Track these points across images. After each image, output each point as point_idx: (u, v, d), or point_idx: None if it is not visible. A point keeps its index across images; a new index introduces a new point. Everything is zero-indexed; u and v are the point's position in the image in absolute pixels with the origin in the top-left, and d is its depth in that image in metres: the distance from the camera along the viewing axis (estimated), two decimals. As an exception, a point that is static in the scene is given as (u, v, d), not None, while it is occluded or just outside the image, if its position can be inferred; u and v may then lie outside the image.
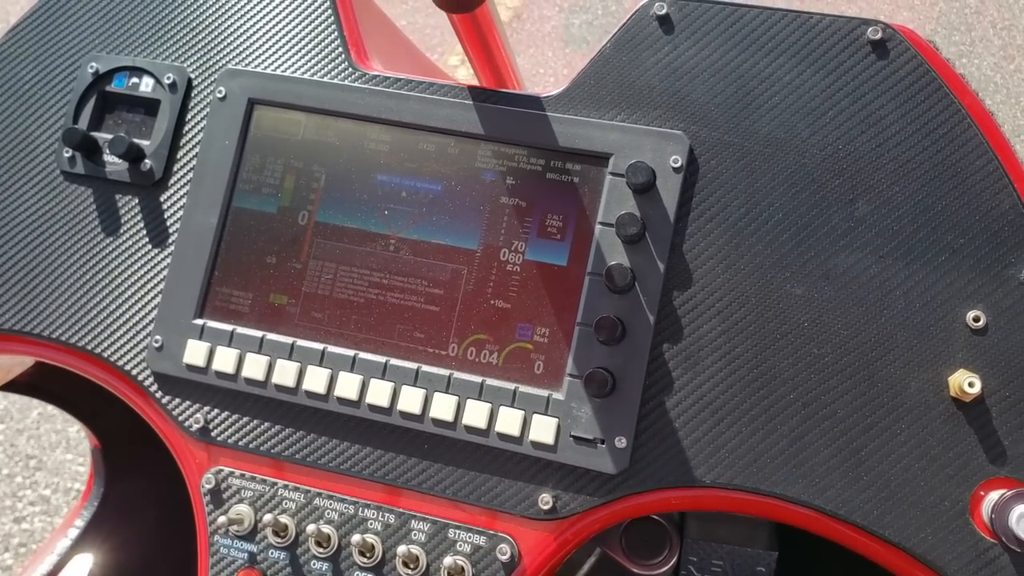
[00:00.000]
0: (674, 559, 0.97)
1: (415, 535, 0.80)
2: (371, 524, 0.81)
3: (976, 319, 0.74)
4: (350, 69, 0.88)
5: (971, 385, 0.72)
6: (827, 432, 0.75)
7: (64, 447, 2.69)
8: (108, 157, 0.91)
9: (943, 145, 0.77)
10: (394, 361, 0.82)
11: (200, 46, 0.92)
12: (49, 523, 2.61)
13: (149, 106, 0.92)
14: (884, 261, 0.77)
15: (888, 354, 0.75)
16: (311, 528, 0.80)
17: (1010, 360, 0.74)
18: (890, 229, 0.77)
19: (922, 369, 0.75)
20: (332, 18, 0.90)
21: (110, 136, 0.91)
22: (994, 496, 0.72)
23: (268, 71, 0.90)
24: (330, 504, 0.82)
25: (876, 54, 0.79)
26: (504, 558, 0.78)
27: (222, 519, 0.82)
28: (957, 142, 0.77)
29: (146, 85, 0.92)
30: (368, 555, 0.80)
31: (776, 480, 0.76)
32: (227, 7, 0.93)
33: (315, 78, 0.88)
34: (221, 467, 0.85)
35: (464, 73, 3.10)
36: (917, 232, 0.77)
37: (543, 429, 0.78)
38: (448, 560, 0.79)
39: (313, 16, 0.91)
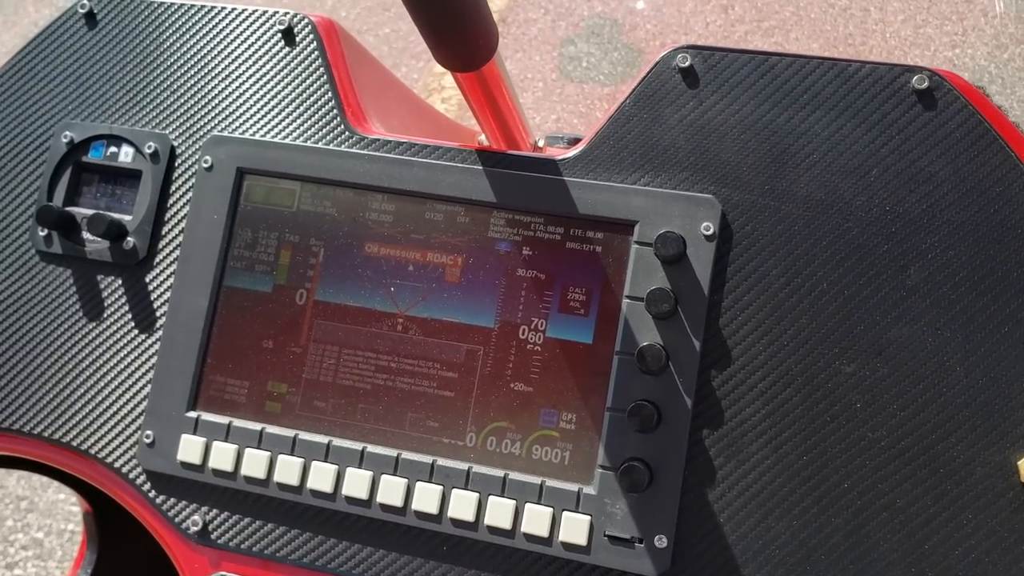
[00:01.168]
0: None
1: None
2: None
3: None
4: (347, 133, 0.81)
5: (1045, 472, 0.65)
6: (886, 524, 0.69)
7: (56, 487, 2.61)
8: (87, 235, 0.84)
9: (1000, 204, 0.71)
10: (406, 454, 0.75)
11: (183, 111, 0.85)
12: (43, 568, 2.53)
13: (129, 178, 0.85)
14: (941, 334, 0.70)
15: (950, 436, 0.69)
16: None
17: None
18: (946, 298, 0.70)
19: (988, 452, 0.68)
20: (325, 77, 0.83)
21: (88, 212, 0.84)
22: (1074, 592, 0.66)
23: (257, 137, 0.83)
24: None
25: (923, 104, 0.73)
26: None
27: None
28: (1016, 200, 0.70)
29: (125, 155, 0.85)
30: (387, 669, 0.74)
31: None
32: (211, 68, 0.86)
33: (309, 144, 0.81)
34: (224, 573, 0.78)
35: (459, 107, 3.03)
36: (976, 301, 0.70)
37: (574, 528, 0.72)
38: None
39: (304, 76, 0.84)
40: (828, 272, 0.72)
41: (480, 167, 0.78)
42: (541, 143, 1.05)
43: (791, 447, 0.71)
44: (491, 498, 0.73)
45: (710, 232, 0.73)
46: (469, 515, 0.73)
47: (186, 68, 0.86)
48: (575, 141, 1.16)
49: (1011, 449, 0.68)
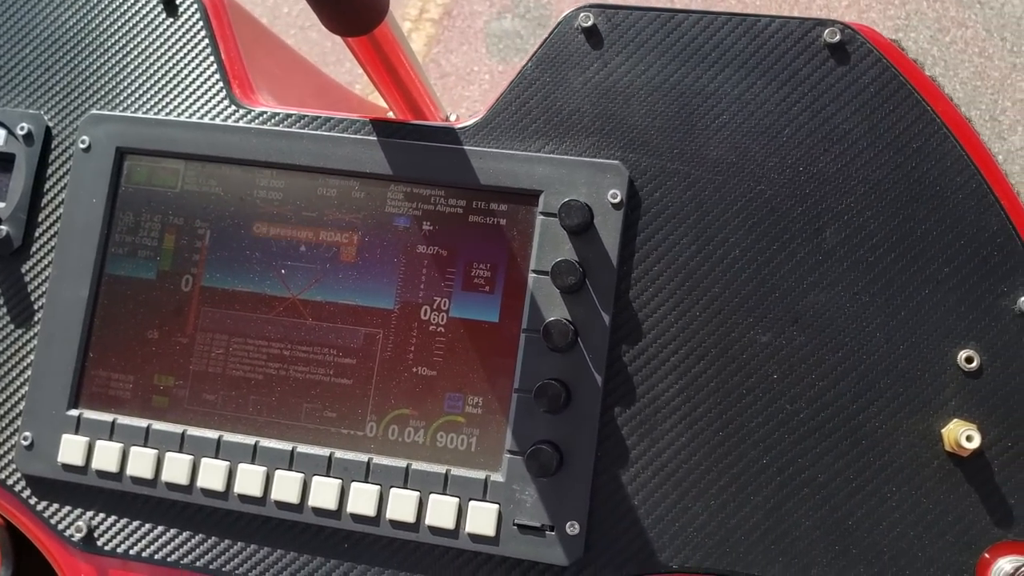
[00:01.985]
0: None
1: None
2: None
3: (969, 360, 0.65)
4: (232, 107, 0.76)
5: (969, 439, 0.62)
6: (807, 500, 0.65)
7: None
8: (-45, 225, 0.78)
9: (918, 161, 0.67)
10: (302, 448, 0.70)
11: (58, 89, 0.79)
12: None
13: (1, 162, 0.79)
14: (859, 299, 0.66)
15: (871, 406, 0.65)
16: None
17: (1010, 404, 0.64)
18: (864, 261, 0.67)
19: (911, 421, 0.65)
20: (209, 47, 0.78)
21: (-44, 200, 0.78)
22: (1003, 564, 0.62)
23: (138, 115, 0.77)
24: None
25: (835, 59, 0.69)
26: None
27: None
28: (933, 156, 0.67)
29: (-4, 137, 0.79)
30: (287, 677, 0.69)
31: (753, 560, 0.65)
32: (87, 42, 0.80)
33: (192, 120, 0.76)
34: (110, 582, 0.72)
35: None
36: (895, 263, 0.66)
37: (482, 518, 0.67)
38: None
39: (186, 47, 0.78)
40: (740, 238, 0.68)
41: (375, 138, 0.73)
42: (453, 117, 1.00)
43: (706, 423, 0.67)
44: (393, 490, 0.68)
45: (617, 200, 0.69)
46: (370, 509, 0.68)
47: (60, 42, 0.80)
48: None
49: (934, 417, 0.65)
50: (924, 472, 0.64)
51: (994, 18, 3.19)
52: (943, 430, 0.64)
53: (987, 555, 0.63)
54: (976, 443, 0.62)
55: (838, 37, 0.69)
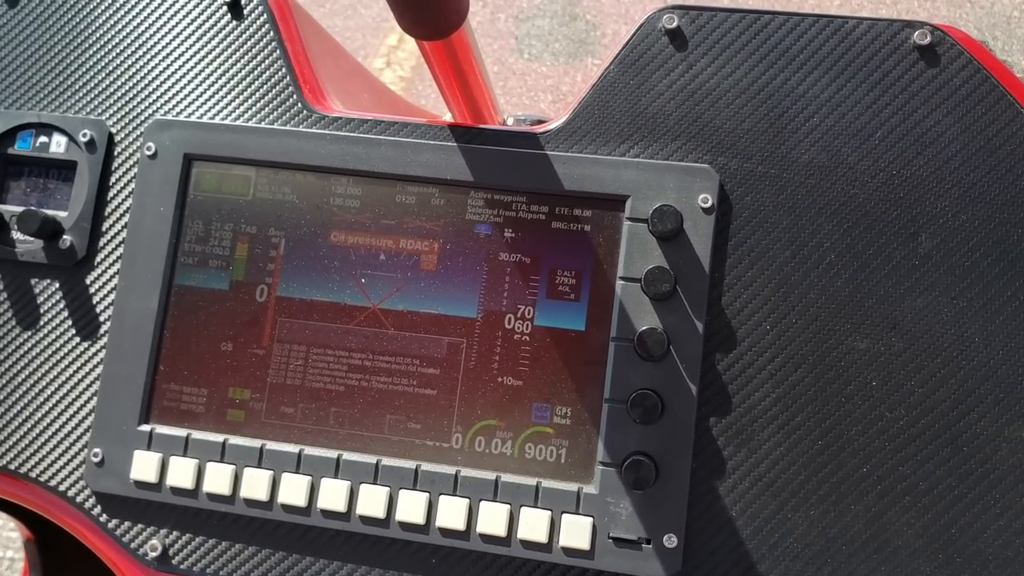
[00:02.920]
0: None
1: None
2: None
3: None
4: (305, 112, 0.74)
5: (1077, 445, 0.61)
6: (909, 509, 0.64)
7: (-7, 513, 2.47)
8: (18, 235, 0.75)
9: (1012, 163, 0.66)
10: (387, 461, 0.69)
11: (120, 95, 0.77)
12: (-19, 599, 2.40)
13: (63, 170, 0.77)
14: (957, 303, 0.66)
15: (972, 412, 0.65)
16: None
17: None
18: (961, 265, 0.66)
19: (1013, 427, 0.64)
20: (278, 51, 0.76)
21: (18, 209, 0.75)
22: (1111, 571, 0.62)
23: (205, 120, 0.75)
24: None
25: (925, 61, 0.68)
26: None
27: None
28: None
29: (58, 144, 0.76)
30: None
31: (854, 570, 0.64)
32: (150, 46, 0.78)
33: (263, 125, 0.74)
34: (186, 601, 0.70)
35: (400, 82, 2.95)
36: (992, 267, 0.66)
37: (576, 531, 0.66)
38: None
39: (255, 51, 0.76)
40: (835, 243, 0.67)
41: (454, 143, 0.71)
42: (510, 122, 0.99)
43: (805, 432, 0.66)
44: (483, 503, 0.67)
45: (708, 204, 0.68)
46: (459, 523, 0.67)
47: (122, 46, 0.78)
48: (539, 123, 1.10)
49: (1037, 422, 0.64)
50: None
51: (985, 17, 3.20)
52: (1047, 436, 0.64)
53: (1094, 562, 0.62)
54: (1083, 449, 0.61)
55: (928, 39, 0.68)
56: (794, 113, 0.69)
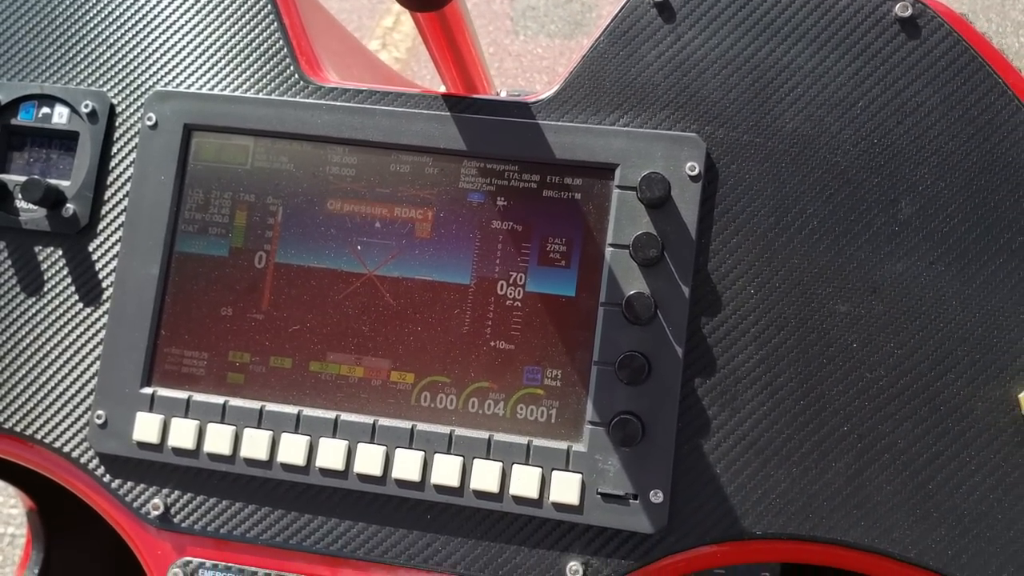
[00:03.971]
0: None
1: None
2: None
3: None
4: (302, 82, 0.76)
5: (1048, 403, 0.64)
6: (888, 466, 0.67)
7: (-8, 490, 2.50)
8: (21, 203, 0.77)
9: (990, 132, 0.68)
10: (383, 420, 0.71)
11: (121, 66, 0.79)
12: (-18, 575, 2.42)
13: (65, 140, 0.78)
14: (936, 268, 0.68)
15: (949, 372, 0.67)
16: None
17: None
18: (939, 231, 0.68)
19: (988, 387, 0.66)
20: (275, 23, 0.78)
21: (22, 178, 0.77)
22: (1080, 524, 0.64)
23: (204, 91, 0.77)
24: None
25: (906, 33, 0.70)
26: None
27: None
28: (1005, 128, 0.68)
29: (60, 115, 0.78)
30: (372, 648, 0.69)
31: (834, 525, 0.67)
32: (150, 18, 0.79)
33: (261, 96, 0.76)
34: (189, 558, 0.72)
35: (392, 58, 2.95)
36: (969, 232, 0.68)
37: (565, 488, 0.68)
38: None
39: (253, 23, 0.78)
40: (818, 209, 0.69)
41: (447, 113, 0.73)
42: (503, 94, 1.00)
43: (787, 392, 0.68)
44: (476, 461, 0.69)
45: (695, 172, 0.70)
46: (454, 480, 0.69)
47: (123, 18, 0.80)
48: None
49: (1011, 382, 0.66)
50: (1002, 436, 0.66)
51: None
52: (1020, 395, 0.66)
53: (1064, 516, 0.65)
54: (1055, 407, 0.64)
55: (909, 11, 0.70)
56: (779, 83, 0.71)
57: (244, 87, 0.77)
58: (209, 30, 0.78)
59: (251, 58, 0.77)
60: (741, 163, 0.70)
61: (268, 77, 0.77)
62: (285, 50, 0.77)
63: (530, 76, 2.83)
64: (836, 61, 0.70)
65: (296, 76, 0.76)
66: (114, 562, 1.37)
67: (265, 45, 0.77)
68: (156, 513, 0.73)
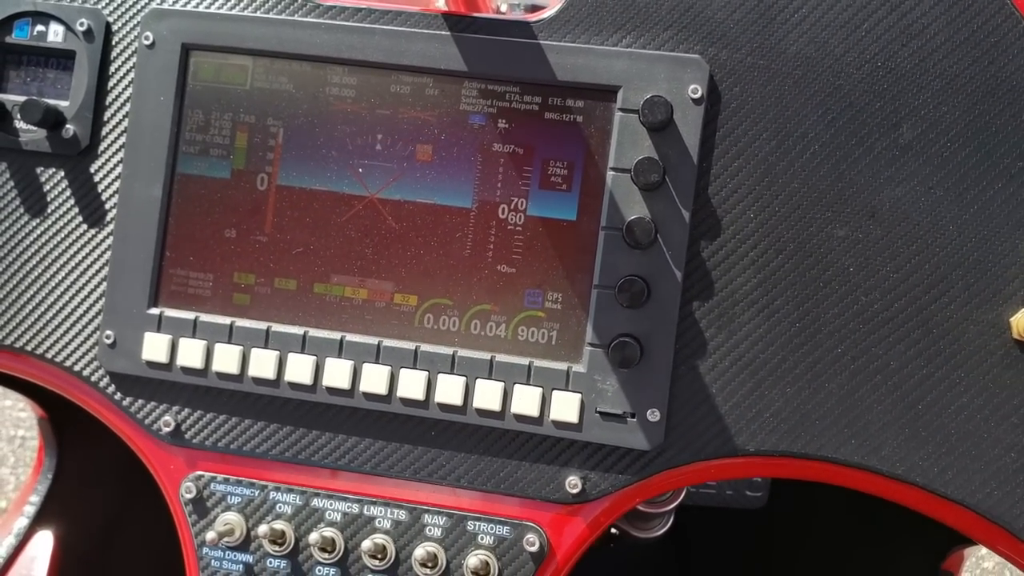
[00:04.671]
0: (671, 513, 0.92)
1: (430, 531, 0.72)
2: (379, 523, 0.73)
3: None
4: (299, 0, 0.75)
5: (1038, 327, 0.65)
6: (879, 387, 0.68)
7: (0, 392, 2.54)
8: (20, 124, 0.77)
9: (995, 56, 0.68)
10: (387, 342, 0.72)
11: (115, -18, 0.77)
12: (-9, 473, 2.49)
13: (62, 58, 0.77)
14: (934, 192, 0.68)
15: (943, 296, 0.68)
16: (313, 537, 0.71)
17: None
18: (939, 156, 0.68)
19: (981, 310, 0.68)
20: (272, -61, 0.76)
21: (20, 98, 0.77)
22: (1063, 443, 0.67)
23: (201, 9, 0.76)
24: (330, 504, 0.74)
25: None
26: (533, 548, 0.71)
27: (211, 535, 0.72)
28: (1010, 51, 0.68)
29: (55, 34, 0.77)
30: (380, 557, 0.72)
31: (825, 443, 0.69)
32: (142, -68, 0.78)
33: (259, 14, 0.75)
34: (201, 472, 0.75)
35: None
36: (969, 158, 0.68)
37: (565, 406, 0.70)
38: (472, 559, 0.71)
39: (248, -63, 0.76)
40: (819, 133, 0.69)
41: (448, 33, 0.72)
42: (504, 7, 0.99)
43: (783, 315, 0.69)
44: (478, 381, 0.71)
45: (698, 95, 0.69)
46: (457, 399, 0.71)
47: None
48: (534, 8, 1.09)
49: (1003, 306, 0.68)
50: (992, 359, 0.67)
51: None
52: (1012, 319, 0.67)
53: (1048, 435, 0.67)
54: (1045, 331, 0.65)
55: (920, -72, 0.68)
56: (783, 4, 0.70)
57: (242, 5, 0.75)
58: None
59: (248, -26, 0.76)
60: (744, 86, 0.70)
61: (266, -6, 0.75)
62: None
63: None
64: None
65: None
66: (126, 467, 1.41)
67: None
68: (167, 430, 0.75)
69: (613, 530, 0.96)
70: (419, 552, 0.71)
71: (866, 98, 0.69)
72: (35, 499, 1.32)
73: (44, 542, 1.30)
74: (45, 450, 1.36)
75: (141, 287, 0.75)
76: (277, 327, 0.73)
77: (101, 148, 0.77)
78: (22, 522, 1.29)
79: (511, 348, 0.72)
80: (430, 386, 0.71)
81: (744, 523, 1.39)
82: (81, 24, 0.76)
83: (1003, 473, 0.67)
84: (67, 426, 1.36)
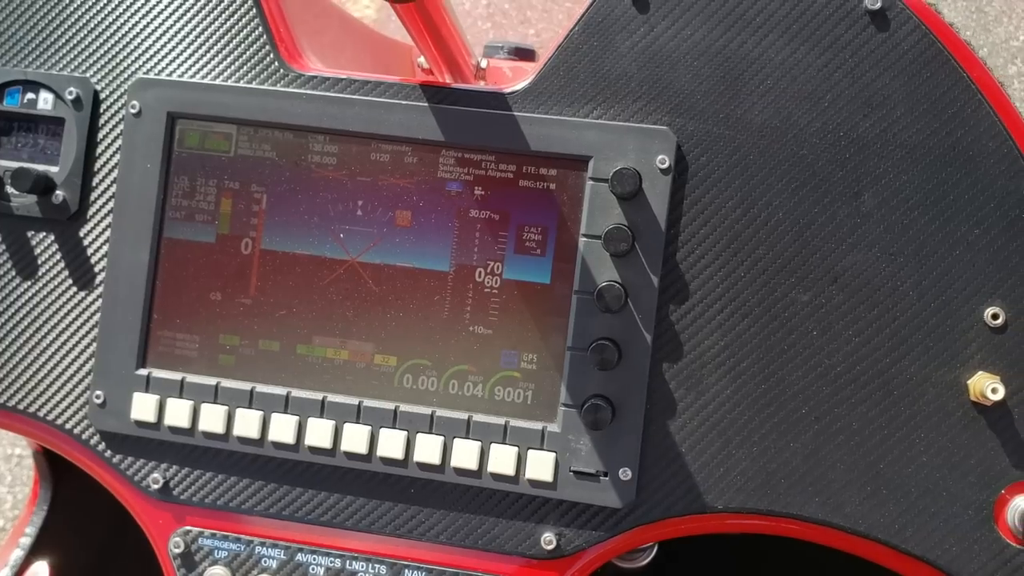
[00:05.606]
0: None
1: None
2: None
3: (995, 316, 0.70)
4: (282, 70, 0.77)
5: (994, 391, 0.67)
6: (842, 446, 0.71)
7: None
8: (11, 190, 0.79)
9: (953, 126, 0.70)
10: (368, 402, 0.75)
11: (103, 52, 0.80)
12: (-9, 493, 2.51)
13: (51, 125, 0.80)
14: (895, 259, 0.71)
15: (903, 359, 0.70)
16: None
17: None
18: (899, 223, 0.71)
19: (939, 373, 0.70)
20: (254, 10, 0.78)
21: (11, 165, 0.79)
22: (1020, 501, 0.69)
23: (186, 79, 0.78)
24: (313, 559, 0.76)
25: (875, 25, 0.71)
26: None
27: None
28: (968, 122, 0.70)
29: (45, 101, 0.79)
30: (362, 611, 0.75)
31: (791, 500, 0.71)
32: (130, 4, 0.80)
33: (242, 84, 0.77)
34: (189, 527, 0.77)
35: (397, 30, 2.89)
36: (929, 225, 0.71)
37: (540, 465, 0.72)
38: None
39: (231, 9, 0.78)
40: (783, 201, 0.72)
41: (426, 103, 0.75)
42: (484, 64, 1.01)
43: (749, 376, 0.72)
44: (456, 440, 0.73)
45: (666, 165, 0.72)
46: (435, 458, 0.73)
47: (103, 4, 0.80)
48: (515, 51, 1.12)
49: (961, 369, 0.70)
50: (950, 420, 0.70)
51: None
52: (969, 381, 0.70)
53: (1005, 493, 0.70)
54: (1001, 395, 0.67)
55: (879, 4, 0.71)
56: (749, 76, 0.72)
57: (225, 74, 0.78)
58: (189, 16, 0.79)
59: (231, 45, 0.78)
60: (710, 155, 0.72)
61: (248, 65, 0.78)
62: (264, 37, 0.78)
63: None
64: (806, 53, 0.72)
65: (276, 64, 0.77)
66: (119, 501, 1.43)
67: (244, 32, 0.78)
68: (156, 486, 0.77)
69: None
70: None
71: (829, 167, 0.71)
72: (31, 530, 1.34)
73: (40, 572, 1.33)
74: (40, 483, 1.39)
75: (129, 348, 0.77)
76: (261, 387, 0.76)
77: (90, 213, 0.79)
78: (18, 554, 1.31)
79: (488, 408, 0.74)
80: (409, 445, 0.74)
81: (730, 550, 1.41)
82: (70, 93, 0.78)
83: (961, 529, 0.70)
84: (62, 459, 1.38)
